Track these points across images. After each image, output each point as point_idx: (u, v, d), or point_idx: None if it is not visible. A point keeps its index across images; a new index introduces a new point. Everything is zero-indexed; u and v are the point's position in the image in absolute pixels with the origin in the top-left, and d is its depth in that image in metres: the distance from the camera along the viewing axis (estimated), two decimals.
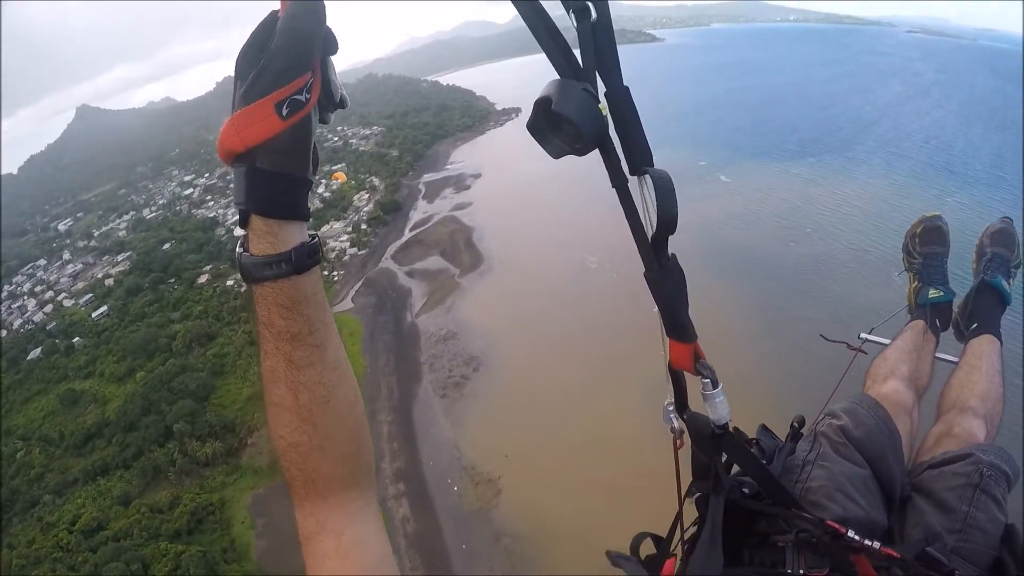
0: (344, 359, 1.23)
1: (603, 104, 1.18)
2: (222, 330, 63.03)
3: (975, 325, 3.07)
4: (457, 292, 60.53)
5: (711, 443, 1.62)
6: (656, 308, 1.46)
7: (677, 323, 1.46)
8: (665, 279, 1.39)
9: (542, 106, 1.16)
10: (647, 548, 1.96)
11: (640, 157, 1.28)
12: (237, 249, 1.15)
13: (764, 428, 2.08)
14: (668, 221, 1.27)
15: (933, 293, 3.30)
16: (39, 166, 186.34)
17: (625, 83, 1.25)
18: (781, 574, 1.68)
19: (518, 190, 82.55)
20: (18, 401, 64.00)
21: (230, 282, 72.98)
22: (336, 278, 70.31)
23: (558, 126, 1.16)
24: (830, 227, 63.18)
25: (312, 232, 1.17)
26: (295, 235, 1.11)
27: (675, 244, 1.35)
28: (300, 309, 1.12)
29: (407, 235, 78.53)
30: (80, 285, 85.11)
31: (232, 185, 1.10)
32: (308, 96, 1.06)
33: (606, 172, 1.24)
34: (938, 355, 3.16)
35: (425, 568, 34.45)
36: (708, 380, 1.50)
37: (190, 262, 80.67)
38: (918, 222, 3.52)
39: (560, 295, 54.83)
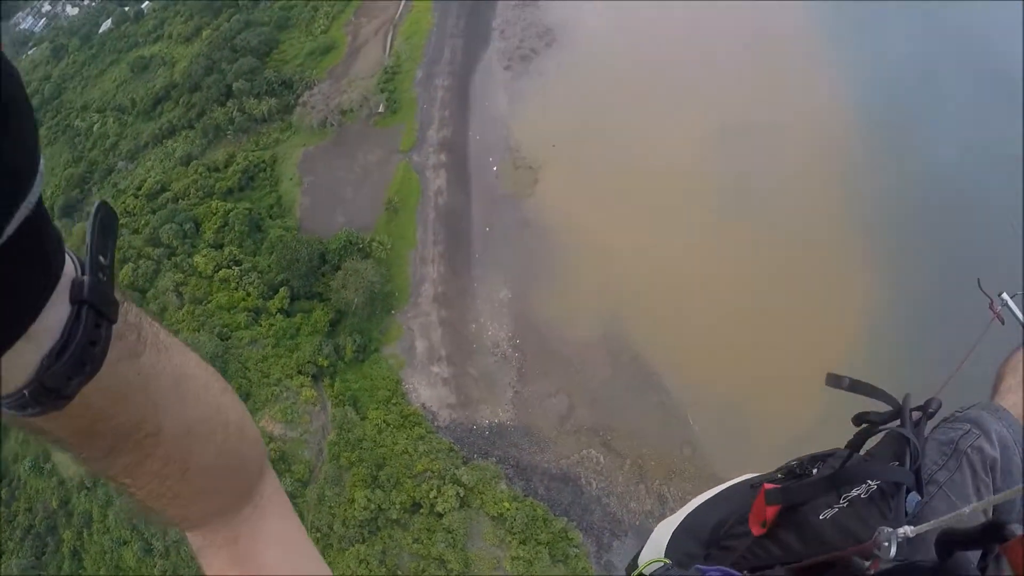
0: (200, 399, 0.90)
1: None
2: None
3: None
4: None
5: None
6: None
7: None
8: None
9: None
10: None
11: None
12: None
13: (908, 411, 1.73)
14: None
15: None
16: None
17: None
18: None
19: None
20: (93, 75, 64.42)
21: None
22: None
23: None
24: None
25: (78, 290, 0.64)
26: (20, 361, 0.62)
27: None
28: (102, 428, 0.76)
29: None
30: None
31: None
32: None
33: None
34: None
35: (446, 242, 34.01)
36: None
37: None
38: None
39: None
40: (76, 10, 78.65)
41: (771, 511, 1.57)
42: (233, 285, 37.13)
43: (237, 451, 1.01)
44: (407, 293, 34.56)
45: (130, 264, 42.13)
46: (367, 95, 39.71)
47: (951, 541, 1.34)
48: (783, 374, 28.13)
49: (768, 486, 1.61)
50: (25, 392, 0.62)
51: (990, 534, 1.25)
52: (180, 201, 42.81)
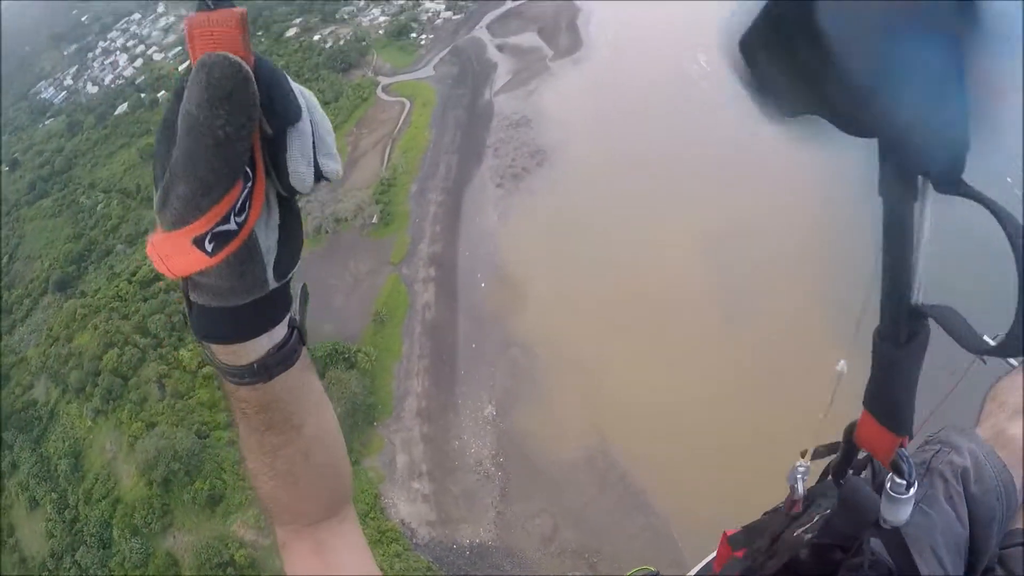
0: (326, 419, 1.25)
1: None
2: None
3: None
4: (544, 76, 53.65)
5: (867, 530, 1.27)
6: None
7: (898, 411, 1.06)
8: (906, 357, 0.96)
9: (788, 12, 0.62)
10: None
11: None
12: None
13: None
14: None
15: None
16: None
17: None
18: None
19: None
20: (103, 155, 66.43)
21: (316, 37, 69.37)
22: (423, 42, 64.71)
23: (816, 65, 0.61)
24: None
25: (293, 322, 1.07)
26: (259, 346, 1.01)
27: None
28: (275, 407, 1.09)
29: (508, 4, 68.92)
30: (171, 38, 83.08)
31: None
32: (241, 221, 0.82)
33: None
34: None
35: (431, 357, 34.33)
36: (903, 482, 1.11)
37: (280, 14, 76.09)
38: None
39: (654, 102, 45.73)
40: (96, 89, 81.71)
41: (739, 555, 1.53)
42: (217, 383, 36.71)
43: (338, 462, 1.31)
44: (390, 406, 34.35)
45: (115, 349, 41.99)
46: (362, 205, 40.64)
47: (838, 471, 1.38)
48: (776, 493, 27.48)
49: (729, 532, 1.55)
50: (254, 364, 0.99)
51: (847, 437, 1.25)
52: (172, 292, 42.70)
